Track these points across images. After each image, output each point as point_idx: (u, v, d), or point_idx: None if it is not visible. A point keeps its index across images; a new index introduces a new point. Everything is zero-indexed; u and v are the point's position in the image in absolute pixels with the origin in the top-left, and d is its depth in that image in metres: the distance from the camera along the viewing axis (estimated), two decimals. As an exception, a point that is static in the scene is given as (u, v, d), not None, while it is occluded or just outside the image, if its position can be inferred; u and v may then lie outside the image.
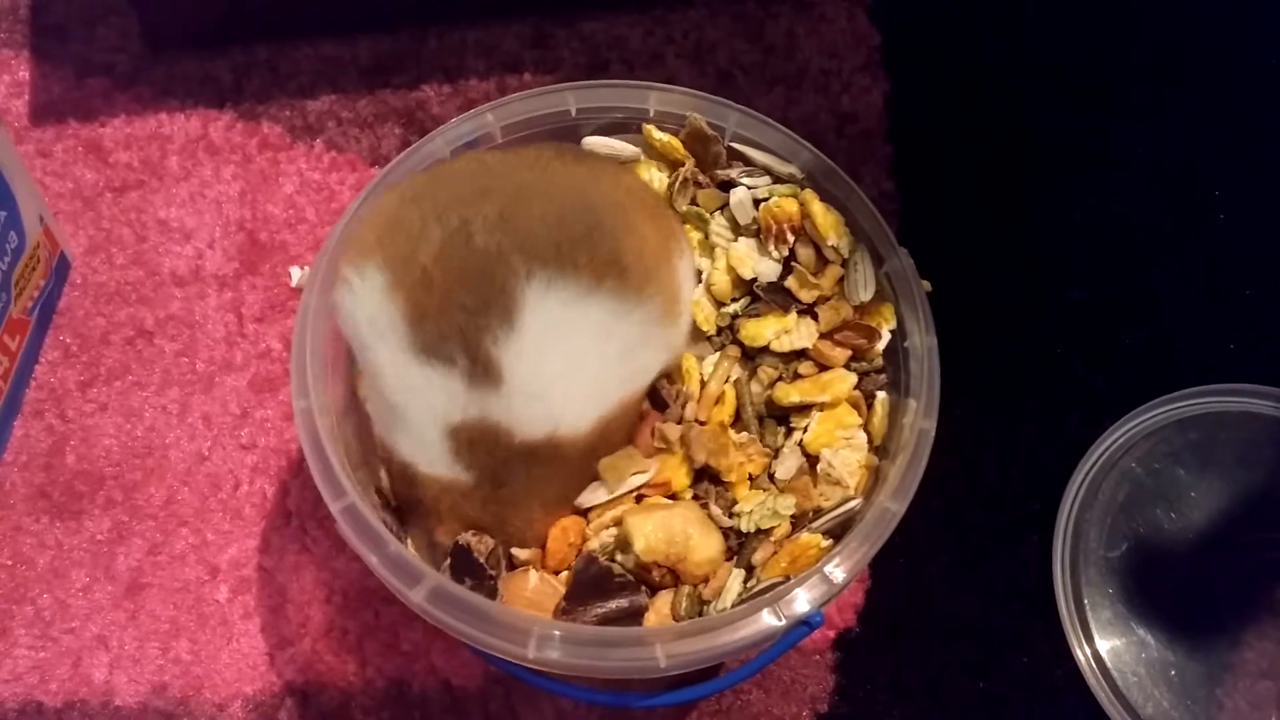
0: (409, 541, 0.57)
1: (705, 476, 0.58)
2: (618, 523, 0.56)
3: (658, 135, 0.63)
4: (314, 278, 0.58)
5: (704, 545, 0.56)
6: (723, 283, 0.62)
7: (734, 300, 0.62)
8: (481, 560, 0.54)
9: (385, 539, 0.53)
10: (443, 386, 0.53)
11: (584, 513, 0.58)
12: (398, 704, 0.70)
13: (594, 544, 0.56)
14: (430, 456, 0.55)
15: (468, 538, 0.55)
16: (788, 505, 0.57)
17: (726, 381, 0.61)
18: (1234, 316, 0.82)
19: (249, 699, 0.70)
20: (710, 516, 0.57)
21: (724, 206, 0.63)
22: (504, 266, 0.52)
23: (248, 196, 0.83)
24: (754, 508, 0.56)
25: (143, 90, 0.86)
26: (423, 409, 0.54)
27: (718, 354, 0.61)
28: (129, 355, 0.78)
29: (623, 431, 0.58)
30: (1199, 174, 0.86)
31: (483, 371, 0.53)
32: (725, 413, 0.60)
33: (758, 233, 0.61)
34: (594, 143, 0.64)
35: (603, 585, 0.55)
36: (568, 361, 0.54)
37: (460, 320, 0.52)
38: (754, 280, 0.61)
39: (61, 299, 0.79)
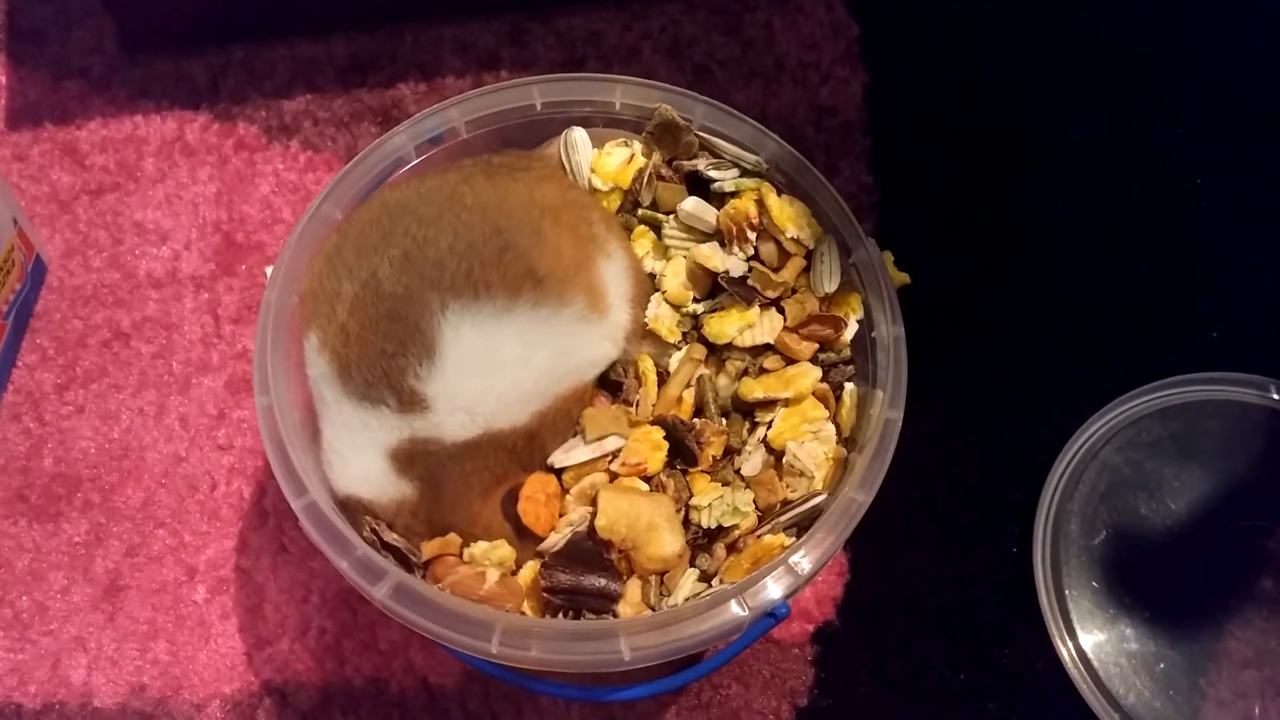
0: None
1: (678, 456, 0.58)
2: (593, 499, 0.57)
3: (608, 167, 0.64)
4: (276, 275, 0.58)
5: (661, 542, 0.56)
6: (677, 288, 0.62)
7: (695, 301, 0.62)
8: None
9: (348, 537, 0.53)
10: (377, 423, 0.55)
11: (558, 473, 0.58)
12: (376, 702, 0.70)
13: (573, 515, 0.57)
14: (379, 484, 0.56)
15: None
16: (747, 501, 0.57)
17: (688, 385, 0.61)
18: (1216, 305, 0.81)
19: (227, 699, 0.70)
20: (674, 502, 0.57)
21: (674, 212, 0.63)
22: (416, 305, 0.54)
23: (224, 197, 0.83)
24: (712, 502, 0.56)
25: (118, 92, 0.86)
26: (364, 443, 0.56)
27: (682, 352, 0.61)
28: (106, 358, 0.78)
29: (566, 421, 0.58)
30: (1180, 163, 0.86)
31: (409, 403, 0.55)
32: (685, 412, 0.60)
33: (720, 236, 0.61)
34: (578, 137, 0.64)
35: (590, 560, 0.55)
36: (494, 375, 0.55)
37: (382, 365, 0.54)
38: (722, 274, 0.60)
39: (38, 302, 0.79)
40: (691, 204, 0.62)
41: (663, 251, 0.63)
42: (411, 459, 0.55)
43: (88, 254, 0.81)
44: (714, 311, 0.61)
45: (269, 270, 0.78)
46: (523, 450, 0.56)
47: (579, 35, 0.88)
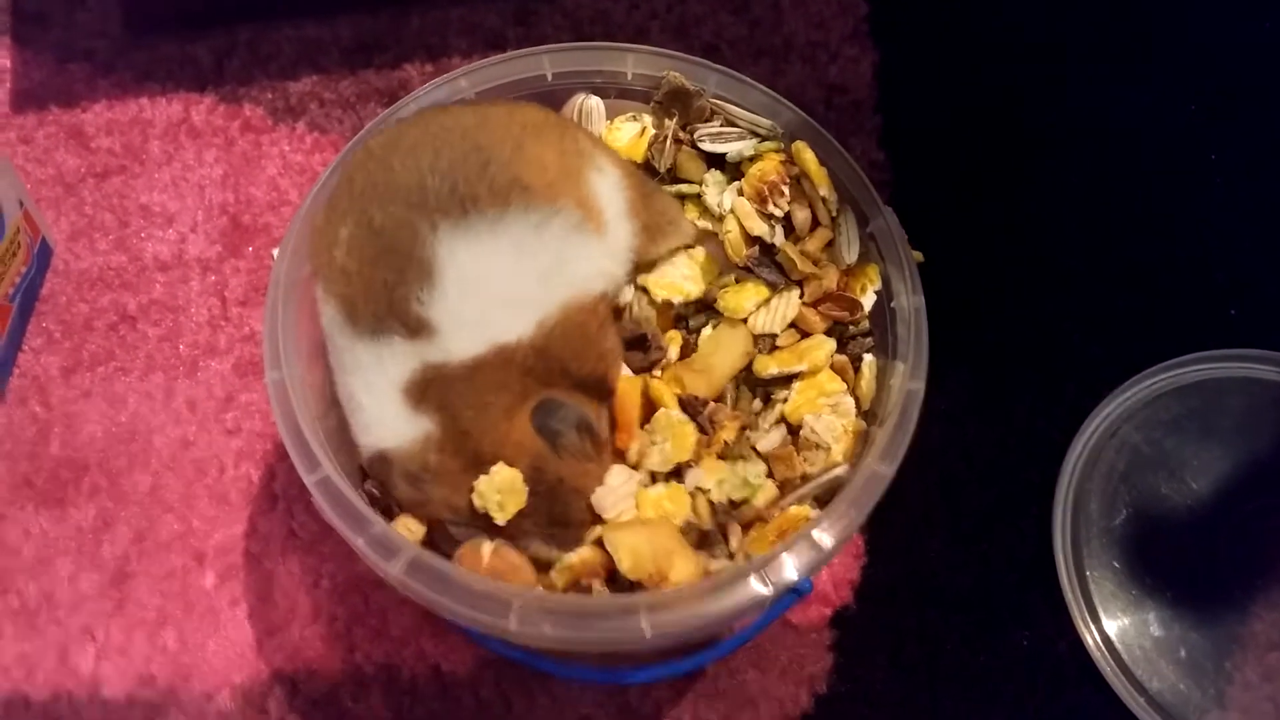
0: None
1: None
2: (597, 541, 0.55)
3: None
4: (284, 249, 0.57)
5: (683, 566, 0.54)
6: (735, 237, 0.60)
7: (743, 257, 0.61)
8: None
9: (362, 513, 0.52)
10: (389, 357, 0.54)
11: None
12: (388, 690, 0.68)
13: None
14: (397, 428, 0.54)
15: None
16: (757, 473, 0.55)
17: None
18: (1232, 282, 0.80)
19: (237, 688, 0.68)
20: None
21: (711, 169, 0.62)
22: (407, 233, 0.53)
23: (230, 180, 0.82)
24: (719, 480, 0.55)
25: (124, 75, 0.85)
26: (378, 386, 0.54)
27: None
28: (112, 341, 0.77)
29: (581, 336, 0.56)
30: (1194, 139, 0.85)
31: (417, 329, 0.53)
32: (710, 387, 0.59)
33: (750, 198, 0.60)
34: (594, 105, 0.63)
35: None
36: (495, 286, 0.54)
37: (385, 298, 0.53)
38: (754, 243, 0.60)
39: (44, 285, 0.78)
40: (710, 191, 0.61)
41: (711, 216, 0.62)
42: (424, 390, 0.54)
43: (94, 237, 0.80)
44: (729, 287, 0.60)
45: (276, 252, 0.78)
46: (536, 365, 0.54)
47: (586, 15, 0.87)
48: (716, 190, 0.61)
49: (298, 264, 0.57)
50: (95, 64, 0.85)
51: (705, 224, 0.62)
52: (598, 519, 0.55)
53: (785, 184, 0.59)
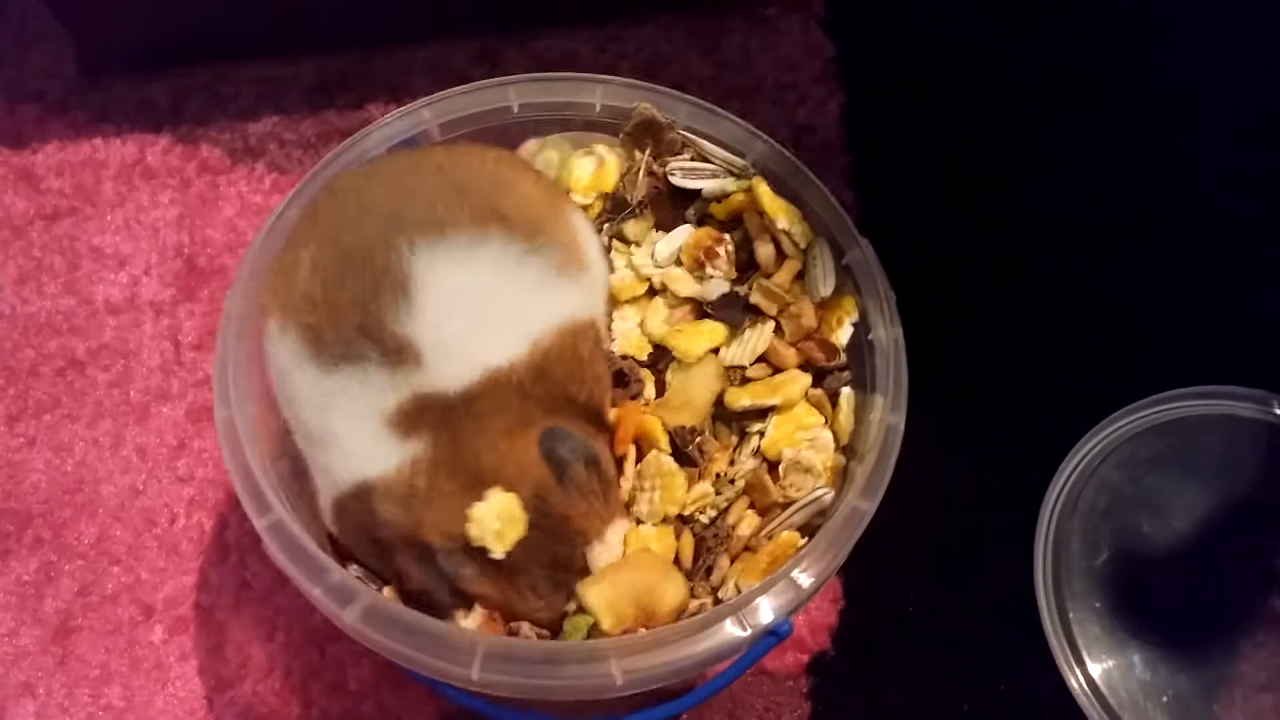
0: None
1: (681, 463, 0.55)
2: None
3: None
4: (237, 284, 0.55)
5: (671, 592, 0.52)
6: (657, 326, 0.59)
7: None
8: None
9: (317, 557, 0.49)
10: (365, 383, 0.51)
11: None
12: (346, 747, 0.65)
13: None
14: (382, 455, 0.51)
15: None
16: (735, 491, 0.54)
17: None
18: (1210, 318, 0.80)
19: (186, 747, 0.65)
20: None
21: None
22: (381, 249, 0.51)
23: (186, 221, 0.79)
24: (697, 499, 0.53)
25: (77, 116, 0.83)
26: (356, 414, 0.51)
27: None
28: (59, 387, 0.74)
29: (575, 360, 0.53)
30: (1168, 176, 0.84)
31: (397, 352, 0.50)
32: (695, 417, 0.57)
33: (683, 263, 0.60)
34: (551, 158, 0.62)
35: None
36: (477, 310, 0.51)
37: (356, 317, 0.51)
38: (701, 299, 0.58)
39: (-12, 331, 0.76)
40: (641, 257, 0.60)
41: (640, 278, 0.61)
42: (414, 419, 0.51)
43: (42, 280, 0.77)
44: (681, 328, 0.58)
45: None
46: (535, 390, 0.51)
47: (553, 57, 0.87)
48: (645, 252, 0.60)
49: (250, 300, 0.55)
50: (47, 105, 0.83)
51: (637, 285, 0.61)
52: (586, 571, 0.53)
53: (721, 245, 0.59)
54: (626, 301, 0.60)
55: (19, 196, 0.80)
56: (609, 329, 0.59)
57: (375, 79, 0.85)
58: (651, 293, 0.60)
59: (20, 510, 0.70)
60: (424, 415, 0.51)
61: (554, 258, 0.53)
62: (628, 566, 0.52)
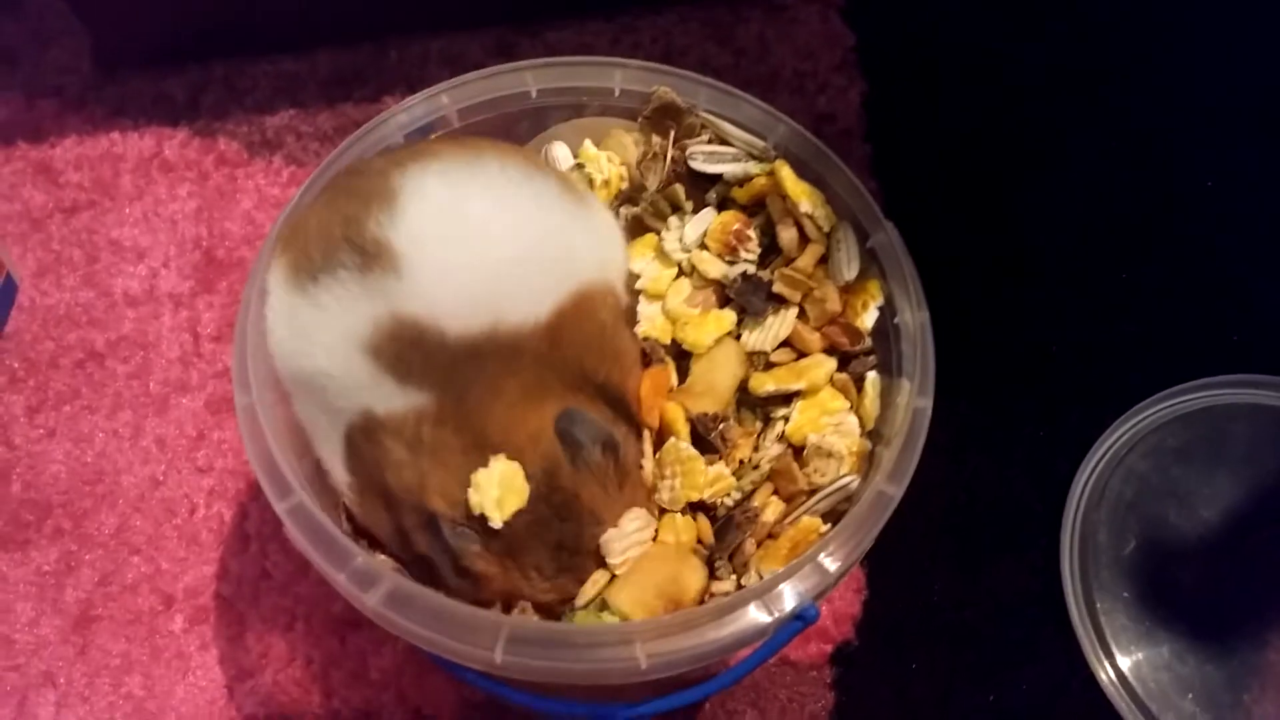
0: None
1: (702, 450, 0.54)
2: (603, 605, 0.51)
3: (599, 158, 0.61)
4: (256, 270, 0.54)
5: (693, 578, 0.52)
6: (678, 306, 0.58)
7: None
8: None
9: (339, 540, 0.49)
10: (341, 300, 0.49)
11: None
12: (366, 738, 0.65)
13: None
14: (381, 389, 0.49)
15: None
16: (761, 475, 0.53)
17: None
18: (1232, 308, 0.79)
19: (206, 738, 0.65)
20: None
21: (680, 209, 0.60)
22: (379, 178, 0.51)
23: (204, 214, 0.79)
24: (719, 486, 0.53)
25: (95, 110, 0.83)
26: (335, 339, 0.49)
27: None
28: (79, 379, 0.74)
29: (597, 331, 0.52)
30: (1188, 165, 0.84)
31: (374, 258, 0.48)
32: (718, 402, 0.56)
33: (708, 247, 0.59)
34: (558, 154, 0.62)
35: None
36: (471, 239, 0.50)
37: (340, 229, 0.49)
38: (729, 281, 0.57)
39: (8, 323, 0.75)
40: (671, 240, 0.59)
41: (665, 259, 0.60)
42: (407, 358, 0.49)
43: (61, 273, 0.77)
44: (689, 318, 0.57)
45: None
46: (550, 355, 0.50)
47: (569, 48, 0.86)
48: (674, 236, 0.59)
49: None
50: (65, 100, 0.83)
51: (661, 269, 0.59)
52: (602, 562, 0.52)
53: (750, 229, 0.58)
54: (655, 294, 0.59)
55: (38, 190, 0.80)
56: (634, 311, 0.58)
57: (391, 72, 0.85)
58: (679, 275, 0.59)
59: (41, 501, 0.70)
60: (412, 350, 0.49)
61: (553, 185, 0.53)
62: (648, 560, 0.52)
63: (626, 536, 0.51)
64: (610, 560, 0.51)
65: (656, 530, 0.53)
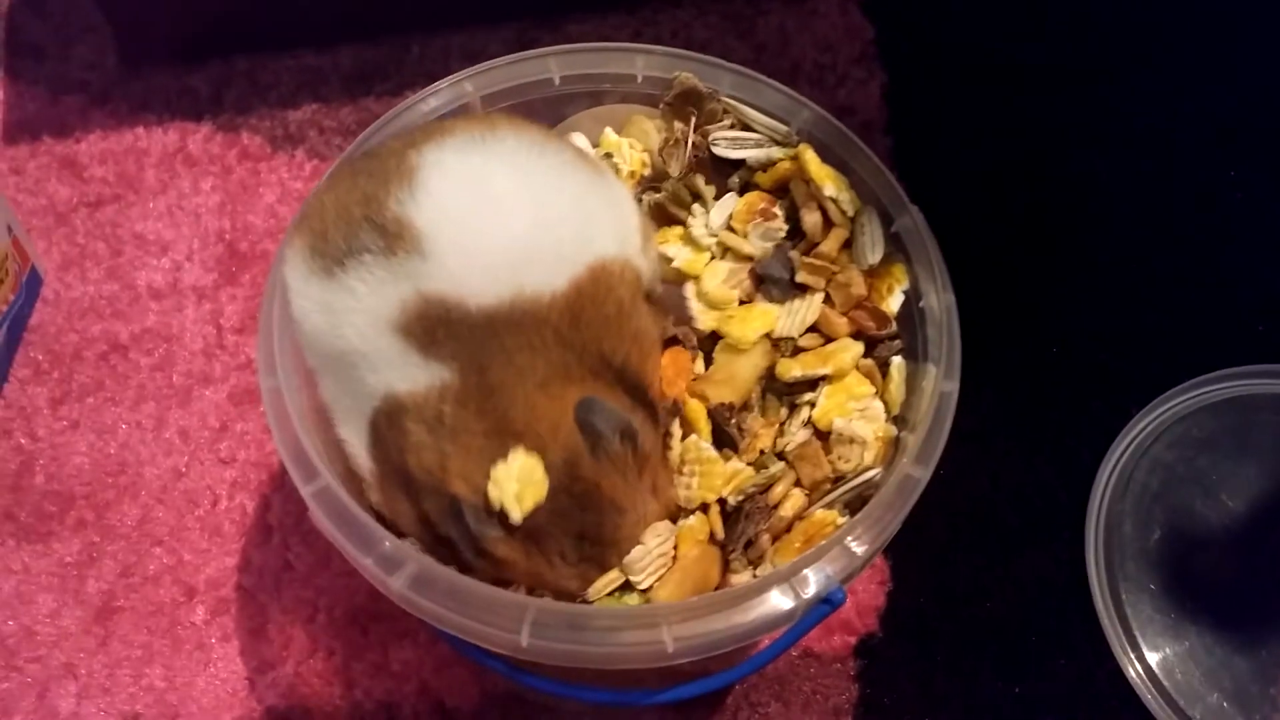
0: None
1: (720, 444, 0.54)
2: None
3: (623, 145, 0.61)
4: (281, 253, 0.54)
5: (713, 569, 0.52)
6: (717, 289, 0.57)
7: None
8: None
9: (364, 524, 0.49)
10: (368, 283, 0.49)
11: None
12: (388, 729, 0.65)
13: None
14: (408, 370, 0.49)
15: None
16: (779, 468, 0.53)
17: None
18: (1258, 298, 0.78)
19: (229, 729, 0.65)
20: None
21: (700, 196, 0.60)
22: (395, 158, 0.51)
23: (227, 207, 0.80)
24: (736, 483, 0.52)
25: (119, 105, 0.83)
26: (365, 324, 0.49)
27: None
28: (102, 371, 0.74)
29: (616, 310, 0.51)
30: (1214, 155, 0.83)
31: (397, 239, 0.48)
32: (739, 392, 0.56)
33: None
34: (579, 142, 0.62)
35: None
36: (491, 211, 0.49)
37: (359, 210, 0.49)
38: (756, 261, 0.57)
39: (33, 315, 0.76)
40: (697, 227, 0.59)
41: (692, 244, 0.59)
42: (433, 333, 0.48)
43: (85, 266, 0.78)
44: (732, 316, 0.57)
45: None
46: (570, 335, 0.49)
47: (589, 41, 0.86)
48: (700, 223, 0.59)
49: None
50: (90, 95, 0.84)
51: (694, 253, 0.59)
52: (624, 551, 0.51)
53: (775, 206, 0.57)
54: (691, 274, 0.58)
55: (62, 184, 0.80)
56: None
57: (412, 66, 0.85)
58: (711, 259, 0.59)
59: (63, 492, 0.70)
60: (438, 326, 0.48)
61: (568, 154, 0.53)
62: (682, 565, 0.51)
63: (650, 552, 0.51)
64: (633, 578, 0.51)
65: (676, 545, 0.53)
